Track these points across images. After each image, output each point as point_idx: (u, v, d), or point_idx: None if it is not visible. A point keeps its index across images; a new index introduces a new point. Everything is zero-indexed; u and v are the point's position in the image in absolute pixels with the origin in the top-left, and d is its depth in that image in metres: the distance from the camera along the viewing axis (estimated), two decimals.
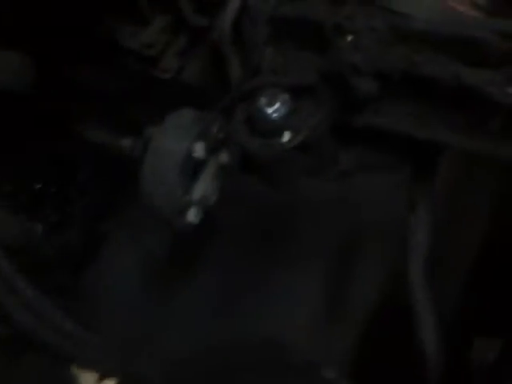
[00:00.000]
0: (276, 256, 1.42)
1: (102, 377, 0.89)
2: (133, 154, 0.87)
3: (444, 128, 0.79)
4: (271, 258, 1.41)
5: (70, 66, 1.09)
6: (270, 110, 0.80)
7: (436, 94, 0.76)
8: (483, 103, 0.73)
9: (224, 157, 0.90)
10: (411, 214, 0.90)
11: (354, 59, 0.74)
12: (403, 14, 0.75)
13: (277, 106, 0.80)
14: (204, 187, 0.89)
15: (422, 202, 0.90)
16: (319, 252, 1.42)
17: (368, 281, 1.41)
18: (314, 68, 0.81)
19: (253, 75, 0.86)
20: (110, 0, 0.94)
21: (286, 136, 0.81)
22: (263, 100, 0.81)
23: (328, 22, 0.75)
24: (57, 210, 1.46)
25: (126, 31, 0.95)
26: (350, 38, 0.74)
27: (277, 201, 1.32)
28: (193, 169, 0.84)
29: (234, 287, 1.43)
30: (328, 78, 0.79)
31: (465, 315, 1.19)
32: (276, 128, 0.81)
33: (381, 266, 1.41)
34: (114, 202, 1.51)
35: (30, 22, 0.99)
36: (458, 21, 0.74)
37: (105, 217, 1.51)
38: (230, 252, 1.44)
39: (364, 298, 1.40)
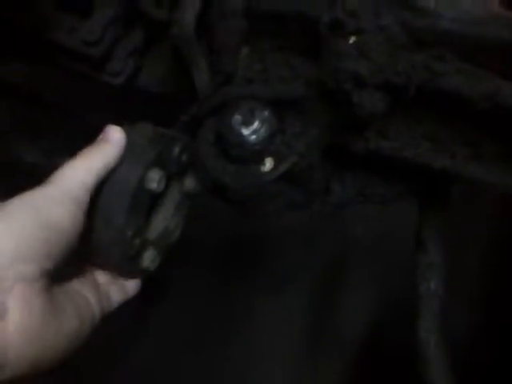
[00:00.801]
0: (257, 283, 1.29)
1: None
2: None
3: (468, 156, 0.62)
4: (252, 285, 1.26)
5: (2, 65, 0.89)
6: (246, 131, 0.62)
7: (461, 114, 0.59)
8: None
9: (189, 182, 0.72)
10: (421, 254, 0.73)
11: (358, 68, 0.55)
12: (420, 9, 0.56)
13: (255, 125, 0.62)
14: (163, 223, 0.71)
15: (433, 239, 0.73)
16: (303, 277, 1.28)
17: (356, 309, 1.29)
18: (304, 77, 0.62)
19: (223, 83, 0.67)
20: None
21: (268, 164, 0.63)
22: (237, 117, 0.62)
23: (325, 17, 0.57)
24: None
25: (64, 25, 0.74)
26: (352, 39, 0.56)
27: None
28: (147, 202, 0.65)
29: (208, 318, 1.28)
30: (321, 90, 0.61)
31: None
32: (254, 154, 0.63)
33: (369, 291, 1.29)
34: None
35: None
36: (497, 21, 0.55)
37: None
38: (203, 278, 1.29)
39: (352, 329, 1.27)
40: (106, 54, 0.74)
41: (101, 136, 0.61)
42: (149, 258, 0.68)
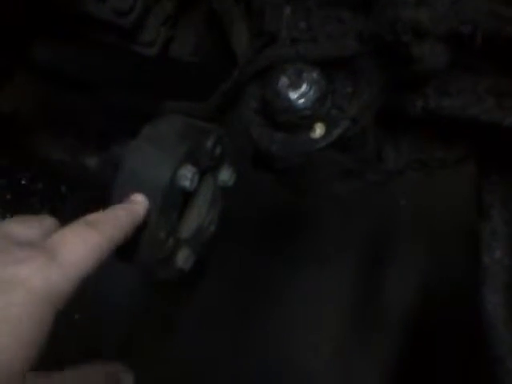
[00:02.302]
0: (298, 256, 1.25)
1: None
2: (101, 178, 0.64)
3: None
4: (294, 258, 1.23)
5: (32, 44, 0.85)
6: (294, 95, 0.57)
7: None
8: None
9: (224, 175, 0.67)
10: (484, 222, 0.68)
11: (418, 16, 0.50)
12: None
13: (303, 88, 0.57)
14: (197, 221, 0.66)
15: (497, 206, 0.68)
16: (347, 253, 1.23)
17: (401, 287, 1.24)
18: (354, 32, 0.57)
19: (266, 45, 0.62)
20: None
21: (318, 129, 0.58)
22: (284, 80, 0.58)
23: None
24: (45, 208, 1.40)
25: None
26: None
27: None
28: (180, 200, 0.60)
29: (249, 296, 1.25)
30: (375, 46, 0.55)
31: None
32: (303, 119, 0.58)
33: (419, 268, 1.24)
34: (107, 199, 1.33)
35: None
36: None
37: None
38: (243, 255, 1.26)
39: (398, 305, 1.23)
40: (137, 24, 0.70)
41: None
42: (183, 258, 0.64)
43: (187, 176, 0.58)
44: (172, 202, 0.59)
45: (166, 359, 1.26)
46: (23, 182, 1.44)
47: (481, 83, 0.57)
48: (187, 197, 0.63)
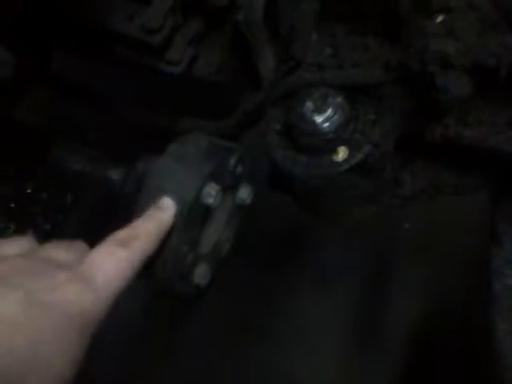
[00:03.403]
0: (301, 275, 1.25)
1: None
2: (123, 191, 0.65)
3: None
4: (298, 277, 1.23)
5: (56, 57, 0.87)
6: (319, 119, 0.59)
7: None
8: None
9: (243, 194, 0.68)
10: (496, 248, 0.69)
11: (445, 48, 0.52)
12: None
13: (328, 112, 0.59)
14: (214, 237, 0.68)
15: (510, 233, 0.69)
16: (349, 274, 1.24)
17: (403, 311, 1.24)
18: (381, 60, 0.59)
19: (292, 69, 0.63)
20: None
21: (341, 153, 0.60)
22: (309, 104, 0.59)
23: None
24: (49, 218, 1.39)
25: (123, 12, 0.72)
26: (439, 18, 0.52)
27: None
28: (202, 217, 0.61)
29: (252, 313, 1.26)
30: (401, 74, 0.57)
31: None
32: (327, 142, 0.59)
33: (421, 290, 1.24)
34: (111, 211, 1.33)
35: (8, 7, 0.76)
36: None
37: (101, 227, 1.34)
38: (247, 272, 1.26)
39: (399, 329, 1.23)
40: (165, 42, 0.71)
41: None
42: (200, 274, 0.64)
43: (211, 193, 0.59)
44: (196, 218, 0.60)
45: (166, 375, 1.26)
46: (28, 191, 1.45)
47: (500, 115, 0.59)
48: (207, 214, 0.64)
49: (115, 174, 0.68)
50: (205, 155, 0.60)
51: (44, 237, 1.33)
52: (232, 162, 0.63)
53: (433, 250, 1.29)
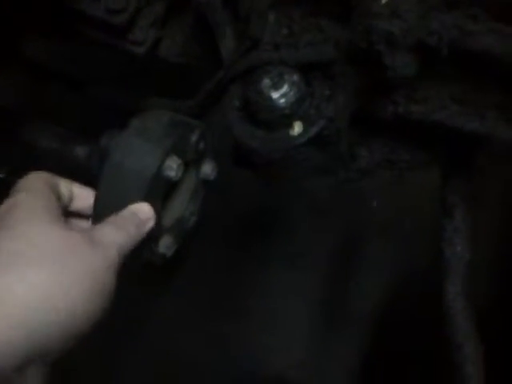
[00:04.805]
0: (271, 253, 1.29)
1: None
2: (89, 165, 0.68)
3: (498, 119, 0.61)
4: (267, 258, 1.27)
5: (25, 39, 0.88)
6: (275, 95, 0.62)
7: (492, 75, 0.59)
8: None
9: (206, 168, 0.71)
10: (447, 219, 0.73)
11: (391, 27, 0.55)
12: None
13: (285, 89, 0.62)
14: (179, 210, 0.71)
15: (459, 205, 0.73)
16: (318, 252, 1.28)
17: (370, 286, 1.29)
18: (332, 40, 0.62)
19: (251, 49, 0.66)
20: None
21: (297, 127, 0.63)
22: (267, 81, 0.62)
23: None
24: None
25: None
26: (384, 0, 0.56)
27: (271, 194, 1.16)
28: (164, 190, 0.64)
29: (222, 292, 1.29)
30: (351, 53, 0.60)
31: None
32: (283, 117, 0.63)
33: (384, 268, 1.29)
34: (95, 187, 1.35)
35: None
36: None
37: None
38: (217, 252, 1.29)
39: (367, 304, 1.28)
40: (129, 23, 0.74)
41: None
42: (165, 245, 0.68)
43: (173, 167, 0.62)
44: (157, 191, 0.63)
45: (139, 358, 1.29)
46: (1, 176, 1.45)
47: (445, 91, 0.62)
48: (171, 187, 0.67)
49: (80, 150, 0.70)
50: (166, 130, 0.63)
51: None
52: (194, 137, 0.66)
53: (400, 227, 1.33)
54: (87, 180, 0.72)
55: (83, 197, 0.63)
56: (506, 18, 0.56)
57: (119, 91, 0.82)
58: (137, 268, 0.69)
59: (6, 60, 0.90)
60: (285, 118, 0.63)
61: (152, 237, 0.65)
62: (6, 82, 0.90)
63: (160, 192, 0.63)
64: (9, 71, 0.89)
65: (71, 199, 0.62)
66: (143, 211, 0.61)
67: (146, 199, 0.60)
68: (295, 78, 0.62)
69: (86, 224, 0.64)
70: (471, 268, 0.73)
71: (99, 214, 0.61)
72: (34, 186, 0.57)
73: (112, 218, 0.59)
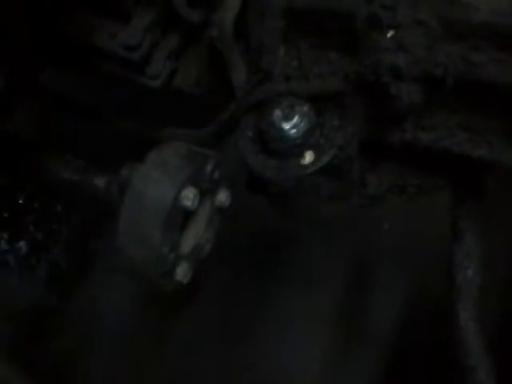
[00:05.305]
0: (285, 277, 1.30)
1: None
2: (108, 196, 0.70)
3: (504, 144, 0.63)
4: (280, 282, 1.28)
5: (44, 72, 0.91)
6: (287, 126, 0.64)
7: (497, 104, 0.60)
8: None
9: (221, 197, 0.74)
10: (457, 244, 0.74)
11: (396, 60, 0.57)
12: (457, 1, 0.58)
13: (295, 120, 0.64)
14: (195, 237, 0.73)
15: (470, 229, 0.74)
16: (332, 276, 1.29)
17: (383, 309, 1.29)
18: (341, 72, 0.64)
19: (262, 81, 0.69)
20: None
21: (308, 157, 0.65)
22: (278, 113, 0.65)
23: (361, 13, 0.58)
24: (42, 227, 1.38)
25: (105, 30, 0.77)
26: (390, 33, 0.58)
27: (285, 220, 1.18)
28: (181, 219, 0.67)
29: (238, 315, 1.30)
30: (359, 84, 0.62)
31: None
32: (295, 147, 0.65)
33: (396, 291, 1.29)
34: (103, 218, 1.37)
35: None
36: None
37: (94, 235, 1.38)
38: (233, 276, 1.31)
39: (380, 326, 1.28)
40: (145, 58, 0.76)
41: None
42: (182, 272, 0.70)
43: (189, 197, 0.64)
44: (175, 221, 0.65)
45: (155, 376, 1.30)
46: (20, 201, 1.48)
47: (452, 119, 0.64)
48: (188, 216, 0.69)
49: (99, 181, 0.73)
50: (183, 162, 0.66)
51: (36, 246, 1.37)
52: (209, 167, 0.69)
53: (412, 250, 1.34)
54: (105, 209, 0.75)
55: None
56: (508, 48, 0.57)
57: (135, 121, 0.85)
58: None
59: (24, 91, 0.93)
60: (296, 147, 0.65)
61: (169, 265, 0.67)
62: (28, 114, 0.93)
63: (178, 221, 0.65)
64: (28, 103, 0.92)
65: None
66: None
67: (164, 228, 0.63)
68: (305, 109, 0.64)
69: None
70: (482, 293, 0.74)
71: (123, 242, 0.63)
72: None
73: None
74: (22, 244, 1.36)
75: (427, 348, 1.22)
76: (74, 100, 0.94)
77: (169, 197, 0.63)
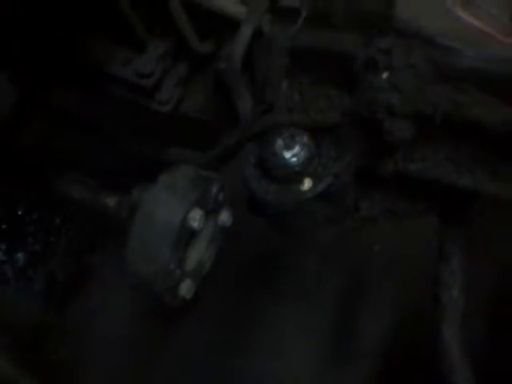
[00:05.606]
0: (281, 293, 1.35)
1: None
2: (118, 216, 0.75)
3: (486, 175, 0.69)
4: (276, 295, 1.33)
5: (56, 92, 0.97)
6: (288, 154, 0.70)
7: (481, 139, 0.66)
8: None
9: (224, 217, 0.79)
10: (443, 265, 0.80)
11: (390, 99, 0.63)
12: (446, 48, 0.64)
13: (296, 149, 0.70)
14: (198, 255, 0.78)
15: (455, 252, 0.80)
16: (325, 293, 1.34)
17: (373, 325, 1.34)
18: (339, 107, 0.70)
19: (265, 112, 0.74)
20: (100, 23, 0.82)
21: (306, 183, 0.71)
22: (280, 142, 0.70)
23: (360, 55, 0.64)
24: (39, 239, 1.42)
25: (118, 58, 0.83)
26: (385, 74, 0.63)
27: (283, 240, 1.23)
28: (187, 238, 0.72)
29: (236, 325, 1.35)
30: (355, 119, 0.68)
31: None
32: (295, 174, 0.70)
33: (390, 306, 1.34)
34: (101, 232, 1.41)
35: (14, 44, 0.86)
36: (509, 58, 0.63)
37: (91, 248, 1.42)
38: (231, 287, 1.36)
39: (371, 342, 1.33)
40: (156, 85, 0.82)
41: None
42: (186, 288, 0.75)
43: (196, 218, 0.69)
44: (182, 239, 0.70)
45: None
46: (19, 213, 1.50)
47: (440, 152, 0.70)
48: (193, 235, 0.74)
49: (111, 202, 0.78)
50: (190, 184, 0.71)
51: (33, 258, 1.40)
52: (214, 190, 0.74)
53: (399, 271, 1.39)
54: (115, 227, 0.80)
55: None
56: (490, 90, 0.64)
57: (146, 144, 0.90)
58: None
59: (37, 112, 0.98)
60: (296, 174, 0.70)
61: (174, 281, 0.72)
62: (38, 133, 0.98)
63: (184, 240, 0.70)
64: (40, 121, 0.97)
65: None
66: None
67: (173, 247, 0.68)
68: (305, 139, 0.70)
69: None
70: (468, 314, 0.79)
71: (131, 258, 0.68)
72: None
73: None
74: (19, 255, 1.39)
75: (414, 363, 1.27)
76: (84, 121, 0.99)
77: (177, 218, 0.68)
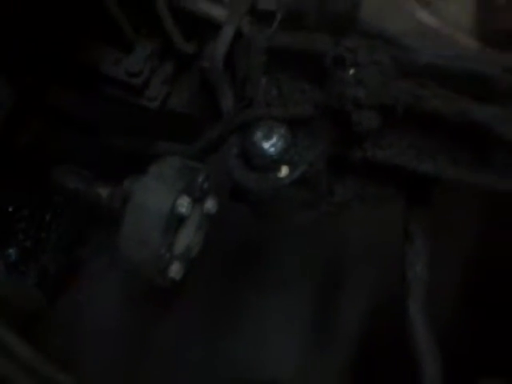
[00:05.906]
0: (260, 281, 1.41)
1: None
2: (111, 205, 0.81)
3: (446, 161, 0.76)
4: (257, 284, 1.39)
5: (52, 92, 1.02)
6: (266, 145, 0.77)
7: (440, 129, 0.74)
8: (488, 139, 0.70)
9: (209, 205, 0.86)
10: (408, 245, 0.87)
11: (357, 93, 0.70)
12: (407, 47, 0.72)
13: (274, 140, 0.77)
14: (186, 240, 0.84)
15: (419, 232, 0.87)
16: (305, 277, 1.41)
17: (352, 308, 1.41)
18: (312, 100, 0.77)
19: (246, 106, 0.81)
20: (91, 25, 0.89)
21: (283, 171, 0.78)
22: (259, 134, 0.77)
23: (329, 54, 0.72)
24: (31, 235, 1.43)
25: (109, 58, 0.90)
26: (352, 71, 0.71)
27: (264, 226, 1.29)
28: (176, 223, 0.78)
29: (219, 313, 1.40)
30: (327, 111, 0.75)
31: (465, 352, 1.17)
32: (273, 163, 0.77)
33: (368, 292, 1.41)
34: (91, 226, 1.46)
35: (12, 45, 0.92)
36: (465, 55, 0.71)
37: (81, 242, 1.46)
38: (214, 276, 1.41)
39: (352, 326, 1.39)
40: (145, 83, 0.89)
41: None
42: (175, 270, 0.81)
43: (184, 204, 0.76)
44: (171, 225, 0.77)
45: (141, 375, 1.38)
46: (9, 210, 1.53)
47: (404, 140, 0.77)
48: (181, 221, 0.81)
49: (104, 192, 0.85)
50: (178, 174, 0.78)
51: (25, 253, 1.44)
52: (200, 179, 0.80)
53: (375, 254, 1.46)
54: (106, 218, 0.86)
55: None
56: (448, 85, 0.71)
57: (135, 138, 0.97)
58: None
59: (34, 110, 1.04)
60: (274, 163, 0.77)
61: (164, 263, 0.78)
62: (35, 129, 1.03)
63: (173, 225, 0.77)
64: (37, 120, 1.03)
65: None
66: None
67: (163, 232, 0.74)
68: (283, 131, 0.77)
69: None
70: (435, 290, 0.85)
71: (124, 244, 0.75)
72: None
73: None
74: (11, 251, 1.43)
75: (391, 347, 1.33)
76: (78, 118, 1.05)
77: (167, 204, 0.74)
